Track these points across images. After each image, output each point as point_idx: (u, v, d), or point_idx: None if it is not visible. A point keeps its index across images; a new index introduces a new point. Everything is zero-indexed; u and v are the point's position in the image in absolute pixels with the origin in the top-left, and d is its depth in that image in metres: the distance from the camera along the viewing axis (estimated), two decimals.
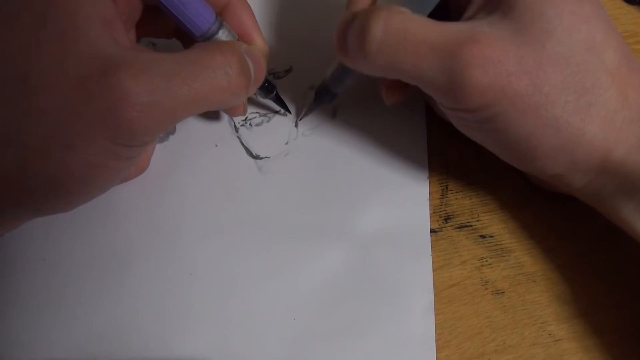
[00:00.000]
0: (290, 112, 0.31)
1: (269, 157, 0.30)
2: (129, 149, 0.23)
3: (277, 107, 0.31)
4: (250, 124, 0.31)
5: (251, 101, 0.32)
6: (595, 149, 0.23)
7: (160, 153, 0.30)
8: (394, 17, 0.23)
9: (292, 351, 0.27)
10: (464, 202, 0.30)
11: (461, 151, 0.31)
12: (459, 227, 0.29)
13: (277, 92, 0.30)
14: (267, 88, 0.29)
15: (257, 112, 0.31)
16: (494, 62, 0.22)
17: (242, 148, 0.30)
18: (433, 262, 0.28)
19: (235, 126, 0.31)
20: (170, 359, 0.27)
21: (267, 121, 0.31)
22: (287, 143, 0.31)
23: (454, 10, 0.28)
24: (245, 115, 0.30)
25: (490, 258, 0.29)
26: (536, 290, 0.28)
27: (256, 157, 0.30)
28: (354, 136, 0.31)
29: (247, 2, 0.27)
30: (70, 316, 0.27)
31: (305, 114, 0.31)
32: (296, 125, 0.31)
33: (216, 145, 0.30)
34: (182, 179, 0.30)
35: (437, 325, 0.27)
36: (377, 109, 0.31)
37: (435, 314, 0.28)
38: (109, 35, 0.22)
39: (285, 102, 0.31)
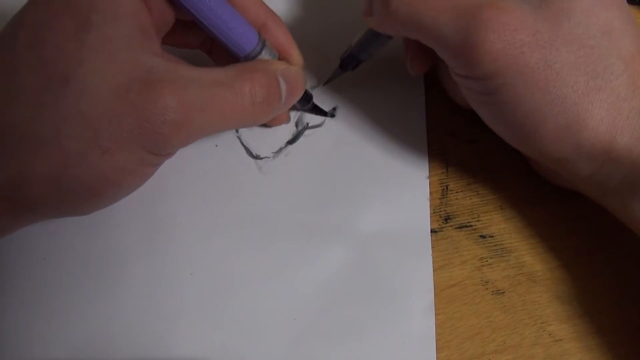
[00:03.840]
0: (327, 115, 0.31)
1: (269, 157, 0.30)
2: (159, 158, 0.24)
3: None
4: None
5: None
6: (601, 134, 0.23)
7: None
8: None
9: (292, 351, 0.27)
10: (464, 202, 0.30)
11: (461, 151, 0.31)
12: (459, 227, 0.29)
13: (313, 103, 0.30)
14: (304, 99, 0.30)
15: None
16: (509, 30, 0.22)
17: (242, 148, 0.30)
18: (433, 262, 0.28)
19: None
20: (170, 359, 0.27)
21: None
22: (287, 143, 0.31)
23: None
24: (288, 124, 0.31)
25: (491, 258, 0.29)
26: (536, 290, 0.28)
27: (256, 157, 0.30)
28: (353, 136, 0.31)
29: (282, 21, 0.28)
30: (70, 316, 0.27)
31: (330, 80, 0.31)
32: (297, 125, 0.31)
33: (216, 145, 0.30)
34: (182, 178, 0.30)
35: (437, 325, 0.27)
36: (377, 109, 0.31)
37: (435, 314, 0.28)
38: (148, 44, 0.23)
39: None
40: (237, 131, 0.31)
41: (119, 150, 0.22)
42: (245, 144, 0.31)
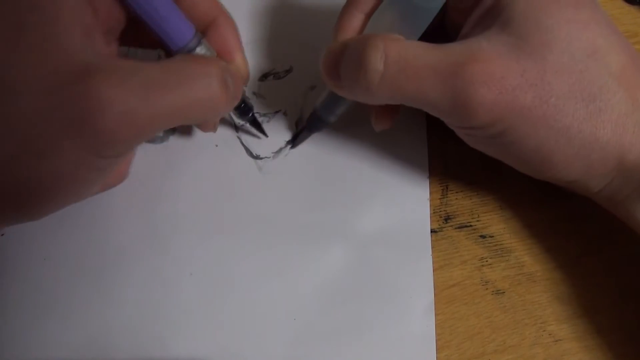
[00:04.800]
0: (267, 136, 0.30)
1: (269, 157, 0.30)
2: (103, 160, 0.22)
3: (276, 108, 0.31)
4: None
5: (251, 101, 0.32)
6: (610, 154, 0.23)
7: (161, 153, 0.30)
8: (391, 46, 0.23)
9: (292, 351, 0.27)
10: (464, 202, 0.30)
11: (461, 151, 0.30)
12: (459, 227, 0.29)
13: (253, 114, 0.29)
14: (244, 109, 0.28)
15: (257, 112, 0.31)
16: (497, 78, 0.22)
17: (242, 148, 0.30)
18: (433, 262, 0.28)
19: (235, 126, 0.31)
20: (170, 359, 0.27)
21: (267, 121, 0.31)
22: (287, 143, 0.31)
23: (451, 29, 0.27)
24: (215, 132, 0.30)
25: (491, 258, 0.29)
26: (536, 290, 0.28)
27: (256, 157, 0.30)
28: (354, 136, 0.31)
29: (233, 21, 0.26)
30: (70, 316, 0.27)
31: (297, 143, 0.30)
32: (296, 125, 0.31)
33: (216, 145, 0.30)
34: (182, 179, 0.30)
35: (437, 325, 0.27)
36: None
37: (435, 314, 0.28)
38: (89, 44, 0.21)
39: (286, 103, 0.31)
40: (237, 131, 0.31)
41: (54, 154, 0.20)
42: (245, 144, 0.31)
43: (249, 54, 0.33)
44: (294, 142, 0.30)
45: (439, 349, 0.27)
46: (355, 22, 0.26)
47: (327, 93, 0.28)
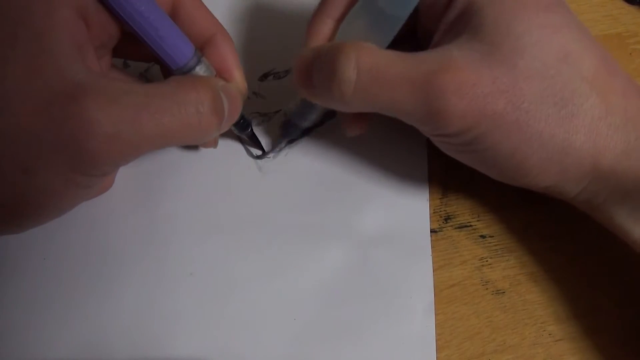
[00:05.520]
0: (264, 151, 0.30)
1: (269, 157, 0.30)
2: (88, 178, 0.22)
3: (276, 108, 0.31)
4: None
5: (251, 101, 0.32)
6: (584, 158, 0.23)
7: (161, 153, 0.30)
8: (364, 55, 0.23)
9: (292, 351, 0.27)
10: (464, 202, 0.30)
11: None
12: (459, 227, 0.29)
13: (252, 130, 0.29)
14: (242, 125, 0.29)
15: (257, 112, 0.31)
16: (468, 86, 0.22)
17: (242, 148, 0.30)
18: (433, 262, 0.28)
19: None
20: (170, 359, 0.27)
21: (267, 121, 0.31)
22: (287, 143, 0.31)
23: (423, 35, 0.27)
24: (215, 147, 0.30)
25: (491, 258, 0.29)
26: (536, 290, 0.28)
27: (256, 157, 0.30)
28: (354, 137, 0.31)
29: (230, 38, 0.26)
30: (71, 316, 0.27)
31: (272, 150, 0.30)
32: (289, 143, 0.31)
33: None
34: (182, 178, 0.30)
35: (437, 325, 0.27)
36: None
37: (435, 314, 0.28)
38: (80, 60, 0.21)
39: (286, 103, 0.31)
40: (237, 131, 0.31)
41: (40, 170, 0.20)
42: (245, 144, 0.31)
43: (250, 54, 0.33)
44: (270, 152, 0.30)
45: (439, 349, 0.27)
46: (325, 28, 0.26)
47: (300, 99, 0.28)
